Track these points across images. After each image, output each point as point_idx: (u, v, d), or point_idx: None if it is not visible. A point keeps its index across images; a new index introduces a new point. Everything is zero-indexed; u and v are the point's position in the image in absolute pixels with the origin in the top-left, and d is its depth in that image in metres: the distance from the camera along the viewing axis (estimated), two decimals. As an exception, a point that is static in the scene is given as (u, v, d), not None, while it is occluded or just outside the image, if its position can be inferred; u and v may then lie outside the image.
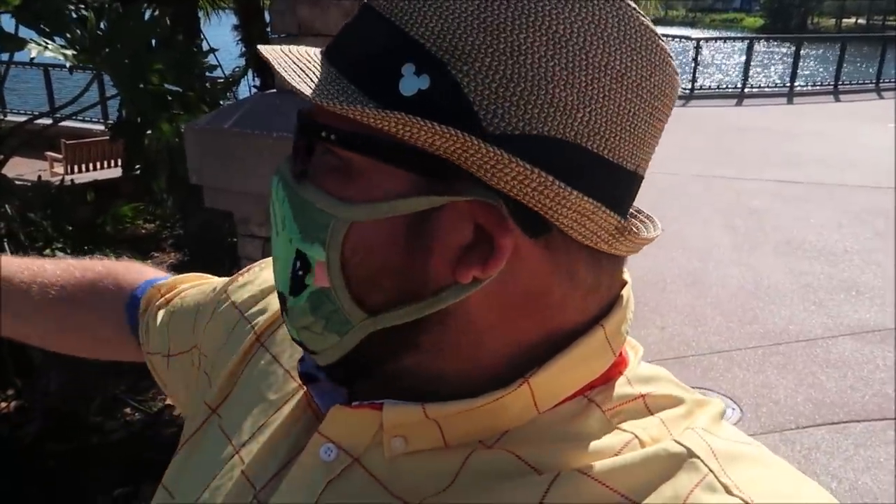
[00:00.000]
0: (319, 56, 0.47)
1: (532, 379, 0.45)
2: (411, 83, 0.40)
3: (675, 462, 0.42)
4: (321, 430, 0.49)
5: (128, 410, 3.72)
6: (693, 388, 0.51)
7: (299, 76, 0.44)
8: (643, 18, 0.44)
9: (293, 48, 0.48)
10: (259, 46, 0.48)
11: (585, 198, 0.41)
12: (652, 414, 0.47)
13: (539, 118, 0.40)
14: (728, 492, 0.40)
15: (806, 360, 3.99)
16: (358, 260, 0.44)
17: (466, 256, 0.42)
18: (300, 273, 0.47)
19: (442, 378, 0.46)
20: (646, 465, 0.42)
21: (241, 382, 0.60)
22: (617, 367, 0.49)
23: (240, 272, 0.72)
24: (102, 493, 3.13)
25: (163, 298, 0.78)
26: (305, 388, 0.55)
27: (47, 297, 0.79)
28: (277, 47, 0.48)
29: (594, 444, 0.44)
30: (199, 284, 0.79)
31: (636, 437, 0.45)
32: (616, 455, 0.44)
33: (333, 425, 0.49)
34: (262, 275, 0.69)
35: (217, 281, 0.77)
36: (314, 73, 0.45)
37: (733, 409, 3.50)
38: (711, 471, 0.41)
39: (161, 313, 0.76)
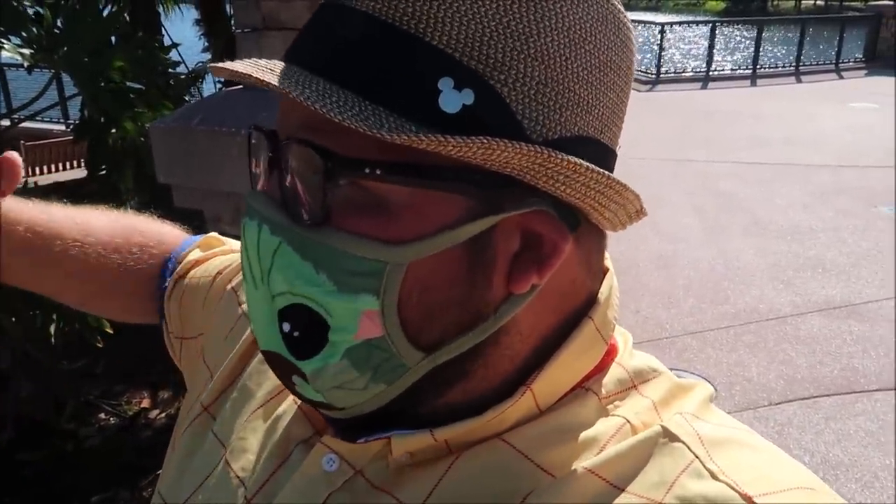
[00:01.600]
0: (283, 68, 0.41)
1: (534, 385, 0.45)
2: (453, 99, 0.38)
3: (662, 449, 0.43)
4: (325, 440, 0.49)
5: (102, 416, 3.66)
6: (669, 370, 0.52)
7: (296, 88, 0.39)
8: (623, 11, 0.45)
9: (259, 61, 0.43)
10: (211, 66, 0.44)
11: (627, 187, 0.43)
12: (643, 399, 0.48)
13: (570, 119, 0.41)
14: (714, 477, 0.41)
15: (776, 337, 4.07)
16: (416, 300, 0.41)
17: (518, 265, 0.42)
18: (310, 330, 0.42)
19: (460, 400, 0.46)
20: (634, 452, 0.43)
21: (235, 384, 0.60)
22: (609, 355, 0.49)
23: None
24: (79, 501, 3.08)
25: (177, 271, 0.76)
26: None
27: (101, 261, 0.74)
28: (237, 63, 0.42)
29: (588, 432, 0.45)
30: (211, 255, 0.77)
31: (628, 421, 0.45)
32: (609, 439, 0.44)
33: (335, 441, 0.48)
34: None
35: (223, 259, 0.75)
36: (298, 85, 0.39)
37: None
38: (697, 457, 0.42)
39: (176, 289, 0.75)
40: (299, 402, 0.54)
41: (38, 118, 7.29)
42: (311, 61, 0.41)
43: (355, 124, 0.36)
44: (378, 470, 0.47)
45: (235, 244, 0.80)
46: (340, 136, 0.39)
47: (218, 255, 0.76)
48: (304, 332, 0.43)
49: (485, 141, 0.37)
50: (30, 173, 7.73)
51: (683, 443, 0.43)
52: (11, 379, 3.39)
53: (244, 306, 0.65)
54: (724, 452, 0.42)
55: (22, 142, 7.65)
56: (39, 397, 3.44)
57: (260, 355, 0.60)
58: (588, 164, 0.40)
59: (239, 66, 0.41)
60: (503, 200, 0.41)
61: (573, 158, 0.39)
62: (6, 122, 4.22)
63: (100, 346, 2.97)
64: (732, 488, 0.40)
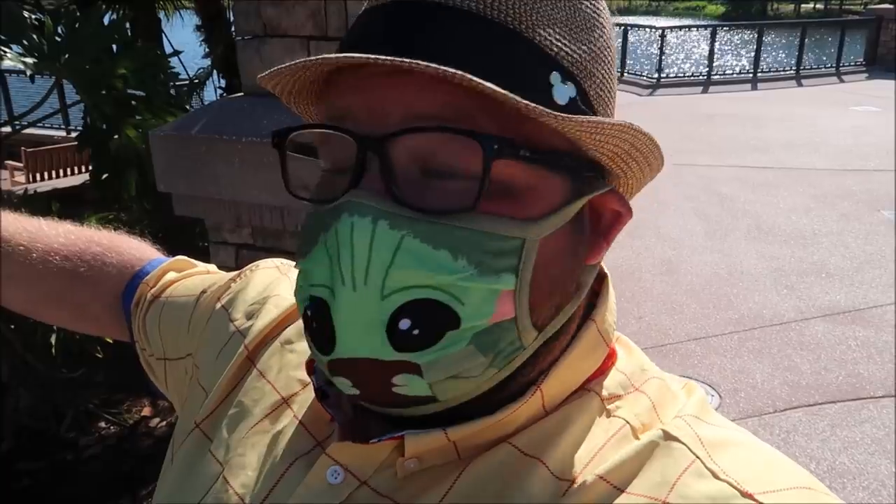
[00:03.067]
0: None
1: (544, 385, 0.47)
2: (562, 92, 0.43)
3: (663, 450, 0.44)
4: (330, 452, 0.49)
5: (102, 424, 3.63)
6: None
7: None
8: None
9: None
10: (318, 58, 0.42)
11: (660, 152, 0.49)
12: (642, 400, 0.49)
13: (612, 109, 0.49)
14: (715, 477, 0.42)
15: (780, 343, 4.04)
16: (541, 276, 0.44)
17: (593, 238, 0.49)
18: (432, 323, 0.41)
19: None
20: (637, 456, 0.44)
21: (230, 401, 0.60)
22: (610, 359, 0.51)
23: (231, 277, 0.70)
24: (79, 511, 3.06)
25: (151, 292, 0.75)
26: (287, 402, 0.55)
27: (48, 266, 0.74)
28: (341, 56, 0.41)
29: (590, 433, 0.47)
30: (187, 275, 0.76)
31: (627, 422, 0.47)
32: (609, 439, 0.46)
33: (341, 451, 0.48)
34: (253, 279, 0.68)
35: (206, 278, 0.74)
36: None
37: (712, 395, 3.53)
38: (698, 457, 0.43)
39: (152, 309, 0.74)
40: (300, 417, 0.54)
41: (39, 125, 7.29)
42: (418, 51, 0.41)
43: (519, 100, 0.39)
44: (385, 479, 0.47)
45: (210, 267, 0.80)
46: (476, 120, 0.41)
47: (194, 275, 0.76)
48: (426, 327, 0.42)
49: (619, 122, 0.44)
50: (30, 179, 7.73)
51: (684, 444, 0.44)
52: (10, 388, 3.37)
53: (237, 323, 0.64)
54: (724, 453, 0.44)
55: (23, 148, 7.66)
56: (39, 407, 3.42)
57: (256, 371, 0.60)
58: (653, 138, 0.46)
59: (331, 56, 0.41)
60: (589, 182, 0.47)
61: (649, 134, 0.46)
62: (7, 129, 4.22)
63: (99, 355, 2.95)
64: (734, 487, 0.41)
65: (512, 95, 0.39)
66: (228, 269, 2.29)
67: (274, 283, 0.67)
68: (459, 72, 0.38)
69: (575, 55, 0.45)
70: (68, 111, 8.94)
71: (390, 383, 0.43)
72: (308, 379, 0.56)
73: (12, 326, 2.99)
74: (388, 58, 0.39)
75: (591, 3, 0.47)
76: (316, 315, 0.44)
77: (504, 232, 0.42)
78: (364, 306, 0.41)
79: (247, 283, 0.68)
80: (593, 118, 0.43)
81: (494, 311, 0.42)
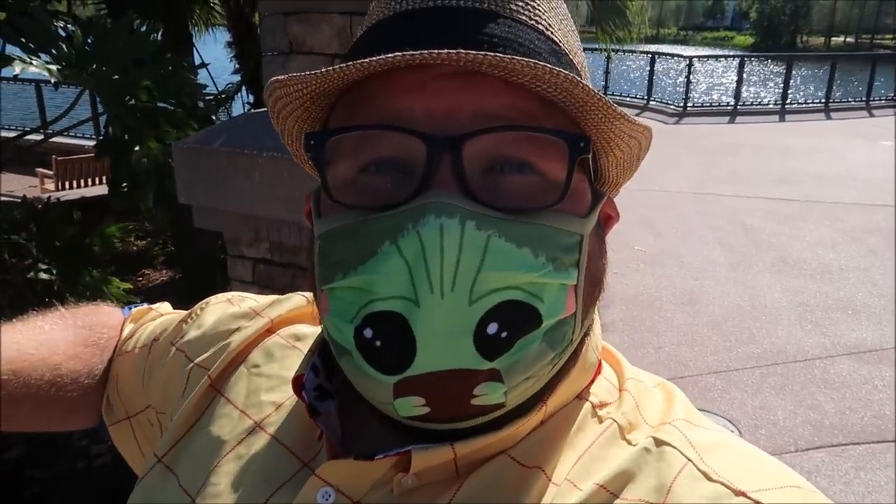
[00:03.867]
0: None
1: (549, 399, 0.47)
2: None
3: (657, 456, 0.45)
4: (319, 473, 0.46)
5: (114, 433, 3.63)
6: None
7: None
8: None
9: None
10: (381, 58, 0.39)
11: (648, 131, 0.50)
12: (627, 400, 0.50)
13: None
14: (708, 478, 0.42)
15: (804, 380, 3.94)
16: (589, 271, 0.46)
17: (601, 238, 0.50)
18: (518, 323, 0.41)
19: None
20: (633, 462, 0.45)
21: (195, 431, 0.57)
22: (598, 368, 0.53)
23: (182, 319, 0.69)
24: (86, 520, 3.05)
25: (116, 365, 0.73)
26: (261, 426, 0.55)
27: (39, 391, 0.68)
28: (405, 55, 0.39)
29: (583, 438, 0.48)
30: (141, 324, 0.75)
31: (615, 421, 0.48)
32: (598, 437, 0.47)
33: (334, 470, 0.46)
34: (207, 315, 0.67)
35: (157, 326, 0.72)
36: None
37: (731, 430, 3.44)
38: (690, 460, 0.44)
39: (111, 376, 0.72)
40: (280, 437, 0.52)
41: (69, 133, 7.44)
42: (481, 49, 0.41)
43: (606, 102, 0.41)
44: (380, 497, 0.45)
45: (164, 308, 0.78)
46: (543, 121, 0.42)
47: (147, 323, 0.74)
48: (513, 329, 0.41)
49: (647, 127, 0.46)
50: (59, 188, 7.86)
51: (675, 448, 0.45)
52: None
53: (197, 359, 0.62)
54: (715, 454, 0.44)
55: (53, 156, 7.80)
56: (52, 413, 3.42)
57: (222, 399, 0.58)
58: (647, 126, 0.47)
59: (416, 53, 0.38)
60: (599, 187, 0.50)
61: (650, 129, 0.47)
62: (39, 137, 4.30)
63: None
64: (727, 486, 0.42)
65: (607, 100, 0.41)
66: (245, 283, 2.25)
67: (229, 315, 0.66)
68: (570, 73, 0.40)
69: (585, 65, 0.49)
70: (99, 121, 9.11)
71: (471, 394, 0.41)
72: (281, 400, 0.55)
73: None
74: (489, 53, 0.38)
75: (563, 6, 0.51)
76: (383, 332, 0.40)
77: (571, 228, 0.44)
78: (453, 315, 0.39)
79: (201, 321, 0.66)
80: (642, 122, 0.46)
81: (566, 306, 0.43)
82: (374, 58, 0.39)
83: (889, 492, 3.03)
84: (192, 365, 0.63)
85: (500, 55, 0.38)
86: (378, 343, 0.41)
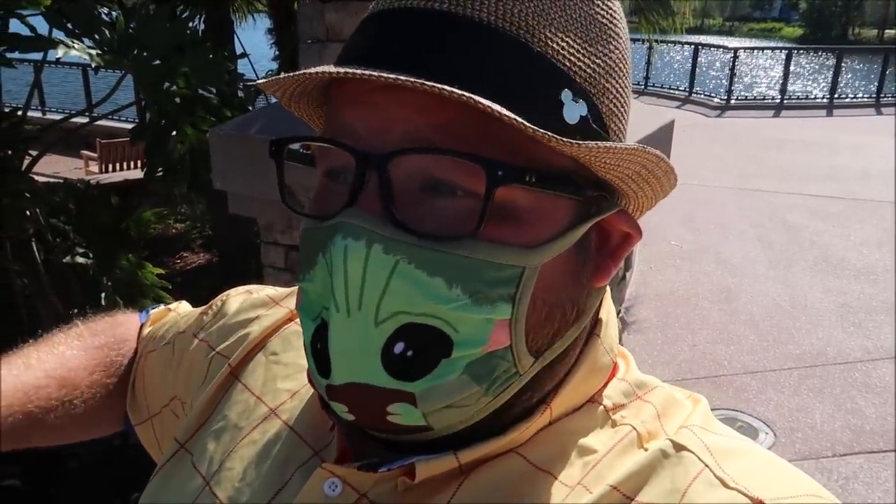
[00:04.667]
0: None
1: (553, 403, 0.46)
2: (573, 110, 0.41)
3: (672, 459, 0.44)
4: (327, 465, 0.47)
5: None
6: (726, 409, 0.51)
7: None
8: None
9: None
10: (289, 75, 0.41)
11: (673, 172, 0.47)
12: (647, 408, 0.49)
13: (626, 124, 0.47)
14: (725, 485, 0.42)
15: (844, 384, 3.83)
16: (540, 303, 0.43)
17: (599, 260, 0.47)
18: (427, 348, 0.40)
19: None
20: (648, 465, 0.44)
21: (214, 417, 0.59)
22: (613, 371, 0.51)
23: (202, 311, 0.70)
24: (121, 497, 3.12)
25: (138, 367, 0.75)
26: (275, 412, 0.55)
27: (66, 413, 0.69)
28: (322, 67, 0.40)
29: (597, 442, 0.47)
30: (162, 325, 0.76)
31: (634, 428, 0.47)
32: (615, 444, 0.46)
33: (339, 467, 0.47)
34: (227, 306, 0.68)
35: (178, 321, 0.73)
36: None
37: (766, 432, 3.36)
38: (707, 465, 0.43)
39: (136, 379, 0.74)
40: (294, 425, 0.53)
41: (114, 117, 7.60)
42: (421, 65, 0.39)
43: (527, 125, 0.37)
44: (385, 491, 0.46)
45: (183, 307, 0.80)
46: (480, 140, 0.39)
47: (167, 321, 0.76)
48: (421, 352, 0.40)
49: (632, 147, 0.42)
50: (103, 170, 8.05)
51: (692, 452, 0.44)
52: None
53: (218, 348, 0.64)
54: (733, 461, 0.44)
55: (98, 139, 7.99)
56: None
57: (240, 385, 0.59)
58: (667, 160, 0.44)
59: (330, 69, 0.39)
60: (597, 203, 0.45)
61: (662, 157, 0.44)
62: (83, 120, 4.40)
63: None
64: (744, 494, 0.41)
65: (520, 120, 0.37)
66: (278, 270, 2.27)
67: (249, 304, 0.67)
68: (465, 93, 0.36)
69: (588, 70, 0.43)
70: (142, 104, 9.28)
71: (385, 411, 0.42)
72: (296, 388, 0.56)
73: (74, 311, 3.09)
74: (388, 74, 0.37)
75: (607, 11, 0.45)
76: (319, 337, 0.42)
77: (503, 260, 0.40)
78: (358, 333, 0.40)
79: (222, 311, 0.68)
80: (603, 144, 0.40)
81: (489, 340, 0.41)
82: (300, 72, 0.40)
83: (930, 501, 2.94)
84: (213, 353, 0.64)
85: (399, 77, 0.36)
86: (318, 345, 0.42)
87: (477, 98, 0.36)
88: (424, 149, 0.39)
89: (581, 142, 0.39)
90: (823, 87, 14.18)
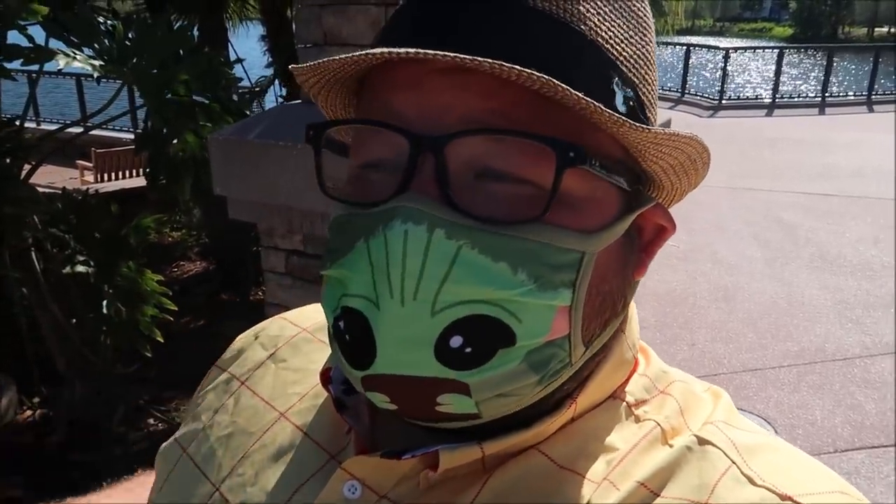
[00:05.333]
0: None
1: (579, 397, 0.46)
2: (622, 97, 0.42)
3: (699, 455, 0.44)
4: (346, 466, 0.46)
5: (151, 421, 3.71)
6: None
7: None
8: None
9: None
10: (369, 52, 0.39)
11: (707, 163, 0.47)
12: (670, 403, 0.49)
13: (657, 115, 0.47)
14: (752, 482, 0.42)
15: (843, 379, 3.85)
16: (595, 291, 0.42)
17: (637, 252, 0.47)
18: (486, 341, 0.39)
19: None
20: (675, 461, 0.44)
21: (219, 423, 0.57)
22: (634, 366, 0.51)
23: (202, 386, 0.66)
24: (123, 505, 3.12)
25: None
26: (285, 416, 0.54)
27: None
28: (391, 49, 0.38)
29: (621, 438, 0.46)
30: None
31: (658, 424, 0.47)
32: (640, 440, 0.46)
33: (360, 465, 0.46)
34: (226, 358, 0.65)
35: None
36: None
37: (767, 430, 3.37)
38: (734, 462, 0.43)
39: None
40: (307, 429, 0.52)
41: (108, 126, 7.59)
42: (482, 47, 0.37)
43: (604, 110, 0.36)
44: (407, 491, 0.45)
45: None
46: (539, 123, 0.38)
47: None
48: (480, 345, 0.39)
49: (688, 135, 0.42)
50: (98, 179, 8.03)
51: (719, 448, 0.44)
52: (67, 381, 3.48)
53: (232, 370, 0.62)
54: (759, 458, 0.43)
55: (93, 149, 7.97)
56: (92, 401, 3.51)
57: (248, 392, 0.58)
58: (709, 151, 0.45)
59: (396, 49, 0.37)
60: (639, 195, 0.45)
61: (707, 147, 0.44)
62: (79, 130, 4.40)
63: (148, 354, 3.02)
64: (772, 491, 0.41)
65: (597, 105, 0.36)
66: (279, 274, 2.26)
67: (248, 343, 0.65)
68: (544, 76, 0.35)
69: (633, 59, 0.43)
70: (136, 114, 9.28)
71: (434, 401, 0.40)
72: (305, 391, 0.55)
73: (73, 321, 3.09)
74: (464, 56, 0.35)
75: (641, 2, 0.45)
76: (351, 327, 0.41)
77: (565, 244, 0.40)
78: (412, 323, 0.38)
79: (224, 365, 0.65)
80: (667, 130, 0.41)
81: (550, 328, 0.40)
82: (353, 54, 0.38)
83: (931, 495, 2.95)
84: (220, 372, 0.63)
85: (460, 56, 0.35)
86: (347, 337, 0.41)
87: (557, 83, 0.35)
88: (491, 130, 0.38)
89: (647, 127, 0.39)
90: (815, 85, 14.25)
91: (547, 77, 0.35)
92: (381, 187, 0.41)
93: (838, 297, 4.88)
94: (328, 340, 0.45)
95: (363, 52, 0.38)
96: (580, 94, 0.36)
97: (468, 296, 0.38)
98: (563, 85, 0.35)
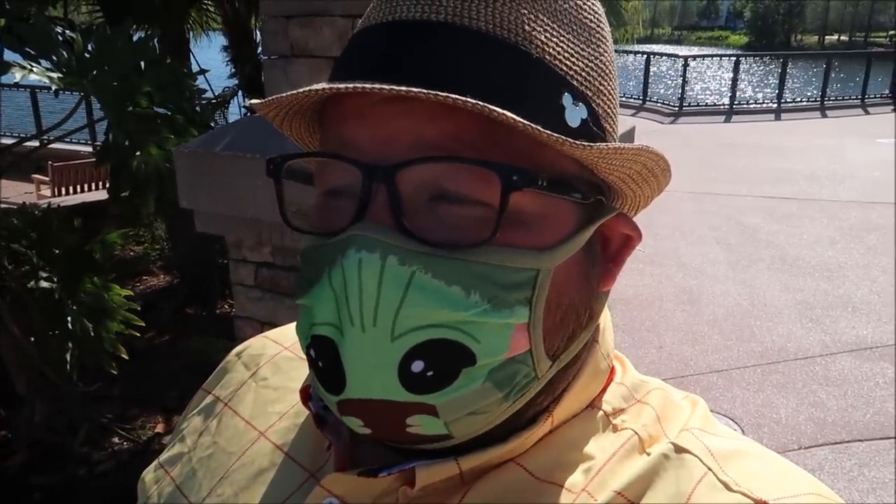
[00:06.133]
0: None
1: (555, 410, 0.46)
2: (574, 113, 0.42)
3: (675, 462, 0.44)
4: (324, 483, 0.46)
5: (116, 440, 3.62)
6: None
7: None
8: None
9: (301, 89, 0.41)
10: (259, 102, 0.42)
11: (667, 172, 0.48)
12: (646, 412, 0.49)
13: (617, 125, 0.47)
14: (728, 488, 0.42)
15: (805, 378, 3.95)
16: (554, 306, 0.43)
17: (603, 263, 0.47)
18: (447, 363, 0.39)
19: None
20: (651, 469, 0.44)
21: (201, 444, 0.58)
22: (610, 376, 0.52)
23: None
24: (89, 528, 3.03)
25: None
26: (264, 435, 0.55)
27: None
28: (333, 84, 0.39)
29: (598, 448, 0.46)
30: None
31: (635, 433, 0.47)
32: (618, 449, 0.46)
33: (338, 482, 0.46)
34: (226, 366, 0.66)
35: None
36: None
37: (734, 429, 3.44)
38: (710, 469, 0.43)
39: None
40: (286, 449, 0.52)
41: (66, 140, 7.43)
42: (423, 77, 0.38)
43: (542, 131, 0.37)
44: (387, 502, 0.45)
45: None
46: (487, 147, 0.39)
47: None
48: (441, 368, 0.40)
49: (637, 147, 0.42)
50: (56, 194, 7.84)
51: (695, 455, 0.44)
52: (27, 401, 3.37)
53: (216, 392, 0.63)
54: (735, 463, 0.44)
55: (50, 162, 7.78)
56: (54, 420, 3.41)
57: (230, 412, 0.58)
58: (666, 159, 0.45)
59: (335, 85, 0.39)
60: (599, 206, 0.45)
61: (663, 155, 0.45)
62: (35, 143, 4.29)
63: (114, 371, 2.95)
64: (748, 496, 0.41)
65: (534, 126, 0.37)
66: (247, 287, 2.21)
67: (232, 363, 0.65)
68: (479, 102, 0.36)
69: (584, 73, 0.43)
70: (95, 127, 9.09)
71: (404, 423, 0.41)
72: (285, 410, 0.56)
73: (32, 339, 3.00)
74: (399, 87, 0.36)
75: (593, 13, 0.45)
76: (322, 355, 0.41)
77: (518, 264, 0.40)
78: (374, 348, 0.39)
79: (209, 388, 0.65)
80: (612, 145, 0.41)
81: (509, 345, 0.41)
82: (300, 90, 0.40)
83: (892, 489, 3.03)
84: (205, 394, 0.64)
85: (411, 90, 0.36)
86: (320, 364, 0.41)
87: (491, 107, 0.36)
88: (436, 157, 0.39)
89: (591, 144, 0.40)
90: (770, 92, 14.64)
91: (483, 103, 0.36)
92: (342, 215, 0.42)
93: (798, 297, 5.01)
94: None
95: (309, 87, 0.40)
96: (516, 117, 0.36)
97: (425, 319, 0.39)
98: (497, 109, 0.36)
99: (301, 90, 0.40)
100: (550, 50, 0.42)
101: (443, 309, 0.39)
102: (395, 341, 0.39)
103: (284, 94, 0.40)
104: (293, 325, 0.65)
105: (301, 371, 0.58)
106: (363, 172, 0.39)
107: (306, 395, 0.52)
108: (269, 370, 0.60)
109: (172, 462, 0.58)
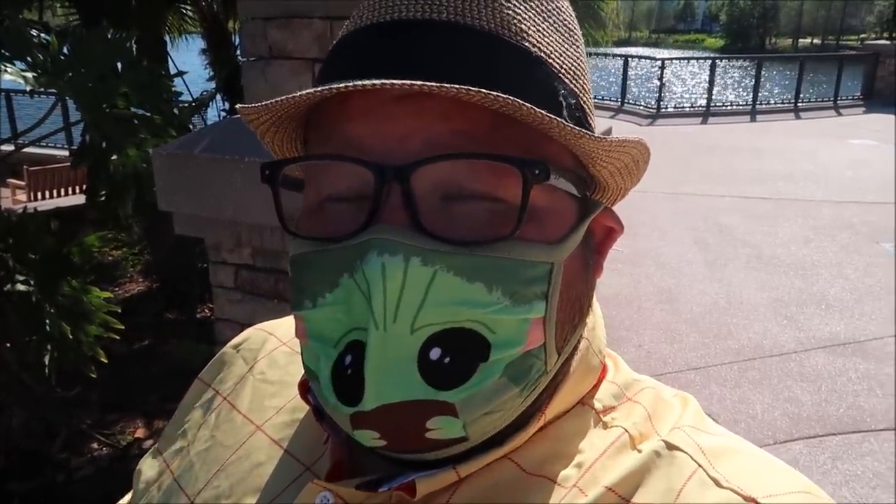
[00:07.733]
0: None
1: (547, 409, 0.46)
2: (567, 109, 0.43)
3: (667, 460, 0.44)
4: (318, 481, 0.46)
5: (94, 445, 3.58)
6: None
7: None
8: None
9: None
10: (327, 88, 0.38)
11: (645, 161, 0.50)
12: (637, 410, 0.49)
13: (595, 124, 0.48)
14: (718, 485, 0.42)
15: (781, 374, 4.01)
16: (565, 299, 0.44)
17: (593, 254, 0.48)
18: (465, 352, 0.39)
19: None
20: (643, 466, 0.44)
21: (200, 437, 0.58)
22: (602, 373, 0.52)
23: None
24: (68, 534, 3.00)
25: None
26: (261, 428, 0.55)
27: None
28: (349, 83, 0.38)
29: (589, 445, 0.46)
30: None
31: (626, 430, 0.47)
32: (608, 447, 0.46)
33: (335, 488, 0.46)
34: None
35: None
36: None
37: (712, 425, 3.49)
38: (700, 466, 0.44)
39: None
40: (284, 444, 0.52)
41: (41, 143, 7.33)
42: (435, 73, 0.38)
43: (559, 122, 0.38)
44: (380, 501, 0.45)
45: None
46: (499, 143, 0.39)
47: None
48: (458, 356, 0.39)
49: (635, 139, 0.44)
50: (32, 198, 7.73)
51: (686, 453, 0.44)
52: (4, 407, 3.33)
53: (216, 386, 0.63)
54: (725, 460, 0.44)
55: (25, 167, 7.67)
56: (31, 427, 3.37)
57: (227, 405, 0.58)
58: (647, 146, 0.47)
59: (354, 82, 0.37)
60: (589, 200, 0.47)
61: (648, 147, 0.47)
62: (10, 147, 4.24)
63: (93, 375, 2.92)
64: (737, 493, 0.41)
65: (558, 119, 0.38)
66: (227, 289, 2.22)
67: (231, 357, 0.65)
68: (509, 97, 0.36)
69: (572, 70, 0.44)
70: (71, 131, 8.98)
71: (424, 428, 0.40)
72: (282, 404, 0.56)
73: (8, 344, 2.96)
74: (425, 83, 0.36)
75: (569, 15, 0.47)
76: (355, 361, 0.40)
77: (536, 258, 0.41)
78: (393, 345, 0.38)
79: (208, 380, 0.65)
80: (617, 137, 0.43)
81: (526, 339, 0.41)
82: (308, 91, 0.39)
83: (865, 481, 3.10)
84: (206, 387, 0.64)
85: (422, 83, 0.36)
86: (349, 371, 0.40)
87: (521, 102, 0.36)
88: (455, 155, 0.39)
89: (604, 137, 0.42)
90: (745, 94, 14.84)
91: (513, 98, 0.36)
92: (347, 219, 0.41)
93: (774, 295, 5.09)
94: None
95: (320, 87, 0.39)
96: (543, 112, 0.37)
97: (445, 318, 0.39)
98: (527, 104, 0.36)
99: (311, 91, 0.39)
100: (545, 48, 0.43)
101: (464, 306, 0.39)
102: (414, 333, 0.38)
103: (287, 97, 0.39)
104: (290, 318, 0.66)
105: (299, 366, 0.57)
106: (375, 173, 0.39)
107: (305, 388, 0.52)
108: (267, 364, 0.61)
109: (173, 456, 0.59)
